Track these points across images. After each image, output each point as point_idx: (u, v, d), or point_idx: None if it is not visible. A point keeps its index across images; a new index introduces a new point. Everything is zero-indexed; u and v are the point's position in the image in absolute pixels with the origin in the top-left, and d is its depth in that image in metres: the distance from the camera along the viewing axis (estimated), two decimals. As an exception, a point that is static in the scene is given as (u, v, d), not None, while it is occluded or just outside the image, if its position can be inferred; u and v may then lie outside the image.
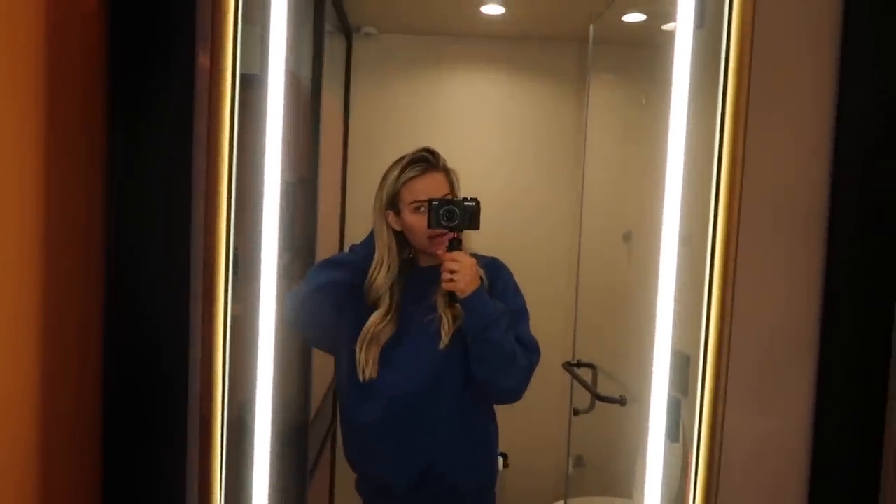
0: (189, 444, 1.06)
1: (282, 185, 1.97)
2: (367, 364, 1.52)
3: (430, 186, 1.52)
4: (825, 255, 1.10)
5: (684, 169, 1.17)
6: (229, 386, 1.13)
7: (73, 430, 1.03)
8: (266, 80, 1.12)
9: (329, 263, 1.61)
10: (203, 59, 1.03)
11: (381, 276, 1.56)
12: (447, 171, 1.57)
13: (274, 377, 1.16)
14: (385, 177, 1.57)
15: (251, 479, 1.10)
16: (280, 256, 1.95)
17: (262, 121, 1.10)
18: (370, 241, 1.57)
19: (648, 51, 2.78)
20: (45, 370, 0.95)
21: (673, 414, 1.17)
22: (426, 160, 1.55)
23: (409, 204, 1.53)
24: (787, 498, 1.14)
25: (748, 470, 1.12)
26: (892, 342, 1.09)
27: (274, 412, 1.83)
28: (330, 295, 1.55)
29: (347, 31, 2.95)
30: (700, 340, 1.09)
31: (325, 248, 2.49)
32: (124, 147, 1.05)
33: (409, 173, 1.54)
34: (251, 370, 1.12)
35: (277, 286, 1.54)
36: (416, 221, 1.53)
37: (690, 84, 1.19)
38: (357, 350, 1.53)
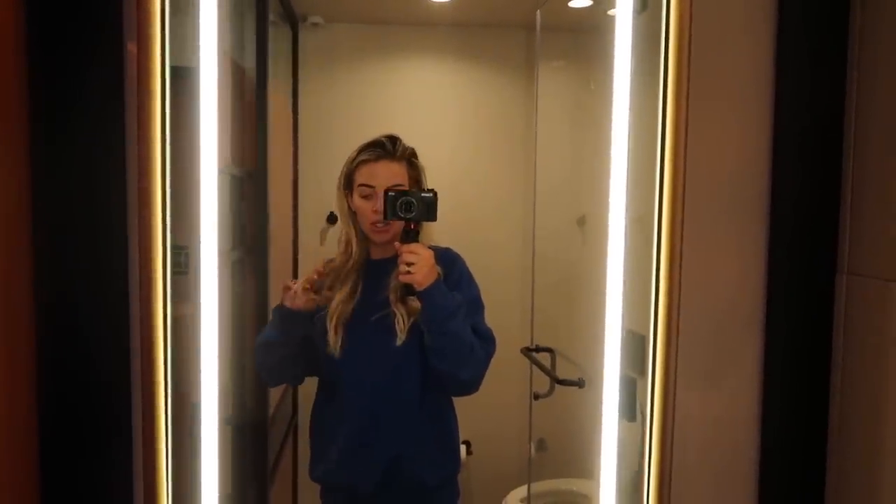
0: (134, 451, 1.02)
1: (229, 179, 1.94)
2: (336, 340, 1.51)
3: (380, 173, 1.50)
4: (768, 234, 1.12)
5: (631, 152, 1.19)
6: (182, 389, 1.10)
7: (4, 445, 0.98)
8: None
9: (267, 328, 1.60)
10: (132, 51, 0.99)
11: (342, 258, 1.56)
12: (409, 163, 1.54)
13: (222, 376, 1.14)
14: (348, 157, 1.56)
15: (199, 483, 1.08)
16: (230, 253, 1.92)
17: (196, 112, 1.07)
18: (277, 313, 1.55)
19: (595, 36, 2.80)
20: None
21: (629, 394, 1.19)
22: (382, 146, 1.52)
23: (359, 187, 1.52)
24: (740, 472, 1.17)
25: (701, 447, 1.14)
26: (833, 315, 1.12)
27: (228, 411, 1.81)
28: (279, 348, 1.55)
29: (293, 21, 2.90)
30: (650, 320, 1.11)
31: (279, 242, 2.45)
32: (48, 143, 0.99)
33: (362, 156, 1.52)
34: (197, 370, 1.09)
35: (222, 281, 1.51)
36: (362, 206, 1.51)
37: (635, 67, 1.20)
38: (329, 329, 1.52)
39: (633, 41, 1.22)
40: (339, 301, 1.53)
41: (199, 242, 1.12)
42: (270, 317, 1.61)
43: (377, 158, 1.52)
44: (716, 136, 1.11)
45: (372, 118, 3.02)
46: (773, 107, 1.11)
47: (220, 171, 1.81)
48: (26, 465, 1.02)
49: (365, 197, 1.51)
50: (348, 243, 1.57)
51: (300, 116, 2.99)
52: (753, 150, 1.12)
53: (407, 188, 1.52)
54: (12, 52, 0.98)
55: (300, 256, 2.88)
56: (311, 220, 2.90)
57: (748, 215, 1.12)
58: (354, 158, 1.54)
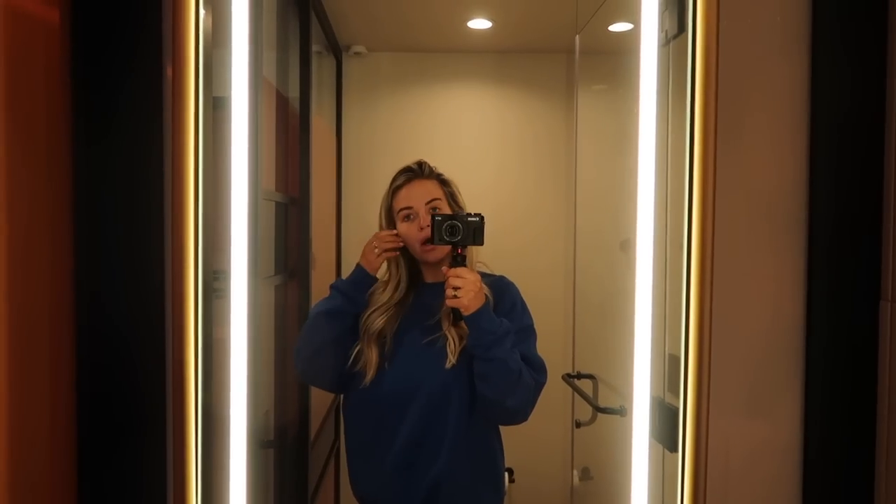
0: (167, 473, 1.04)
1: (272, 206, 1.99)
2: (370, 361, 1.51)
3: (415, 193, 1.54)
4: (807, 259, 1.09)
5: (672, 176, 1.17)
6: (221, 412, 1.12)
7: (45, 451, 1.01)
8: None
9: (322, 301, 1.59)
10: (169, 76, 1.03)
11: (389, 290, 1.57)
12: (439, 180, 1.57)
13: (259, 398, 1.16)
14: (383, 195, 1.59)
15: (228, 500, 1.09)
16: (273, 278, 1.96)
17: (229, 139, 1.11)
18: (354, 273, 1.56)
19: (635, 60, 2.78)
20: (13, 386, 0.94)
21: (671, 423, 1.15)
22: (411, 170, 1.56)
23: (399, 212, 1.54)
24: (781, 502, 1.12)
25: (739, 477, 1.11)
26: (878, 341, 1.08)
27: (269, 435, 1.83)
28: (331, 324, 1.54)
29: (337, 51, 2.97)
30: (681, 345, 1.08)
31: (321, 267, 2.49)
32: (89, 167, 1.04)
33: (395, 183, 1.56)
34: (227, 390, 1.12)
35: (262, 305, 1.53)
36: (406, 229, 1.53)
37: (672, 91, 1.19)
38: (363, 347, 1.52)
39: (669, 64, 1.22)
40: (385, 318, 1.54)
41: (231, 266, 1.14)
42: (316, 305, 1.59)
43: (409, 180, 1.55)
44: (749, 158, 1.09)
45: (414, 145, 3.06)
46: (810, 128, 1.08)
47: (265, 199, 1.87)
48: (65, 469, 1.05)
49: (407, 219, 1.53)
50: (398, 276, 1.58)
51: (343, 143, 3.05)
52: (790, 172, 1.09)
53: (444, 204, 1.54)
54: (58, 76, 1.03)
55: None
56: (354, 245, 2.93)
57: (786, 240, 1.10)
58: (389, 189, 1.57)
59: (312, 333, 1.54)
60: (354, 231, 2.97)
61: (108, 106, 1.03)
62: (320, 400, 2.39)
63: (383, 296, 1.57)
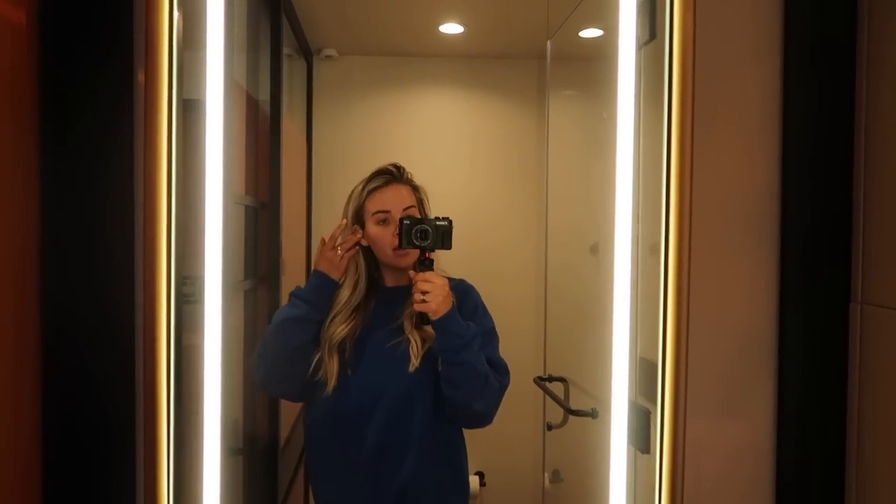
0: (137, 479, 1.02)
1: (243, 210, 1.96)
2: (331, 371, 1.48)
3: (392, 198, 1.52)
4: (779, 262, 1.11)
5: (643, 180, 1.19)
6: (192, 417, 1.10)
7: (8, 457, 0.98)
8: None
9: (285, 308, 1.56)
10: (140, 80, 1.01)
11: (347, 291, 1.54)
12: (413, 187, 1.56)
13: (230, 405, 1.14)
14: (351, 192, 1.56)
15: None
16: (242, 283, 1.93)
17: (202, 143, 1.09)
18: (316, 280, 1.52)
19: (605, 65, 2.82)
20: None
21: (642, 425, 1.16)
22: (389, 172, 1.55)
23: (373, 215, 1.52)
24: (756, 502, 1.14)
25: (714, 478, 1.12)
26: (847, 344, 1.10)
27: (238, 442, 1.80)
28: (296, 332, 1.51)
29: (308, 54, 2.95)
30: (658, 349, 1.09)
31: (291, 272, 2.46)
32: (57, 171, 1.01)
33: (372, 184, 1.54)
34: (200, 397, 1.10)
35: (234, 311, 1.50)
36: (379, 233, 1.51)
37: (645, 96, 1.21)
38: (323, 356, 1.49)
39: (641, 70, 1.23)
40: (346, 326, 1.51)
41: (205, 271, 1.12)
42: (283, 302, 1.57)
43: (387, 183, 1.53)
44: (723, 162, 1.11)
45: (385, 149, 3.05)
46: (782, 132, 1.10)
47: (235, 203, 1.85)
48: (30, 495, 1.02)
49: (382, 223, 1.51)
50: (356, 276, 1.55)
51: (314, 147, 3.02)
52: (763, 175, 1.11)
53: (416, 211, 1.53)
54: (25, 77, 1.01)
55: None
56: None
57: (758, 242, 1.12)
58: (364, 188, 1.54)
59: (277, 342, 1.50)
60: (324, 235, 2.94)
61: (77, 109, 1.00)
62: (289, 407, 2.36)
63: (341, 297, 1.54)
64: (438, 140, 3.12)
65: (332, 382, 1.49)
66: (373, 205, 1.52)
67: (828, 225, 1.10)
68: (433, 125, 3.12)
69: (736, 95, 1.11)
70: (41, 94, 1.02)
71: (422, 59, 3.10)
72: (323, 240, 1.53)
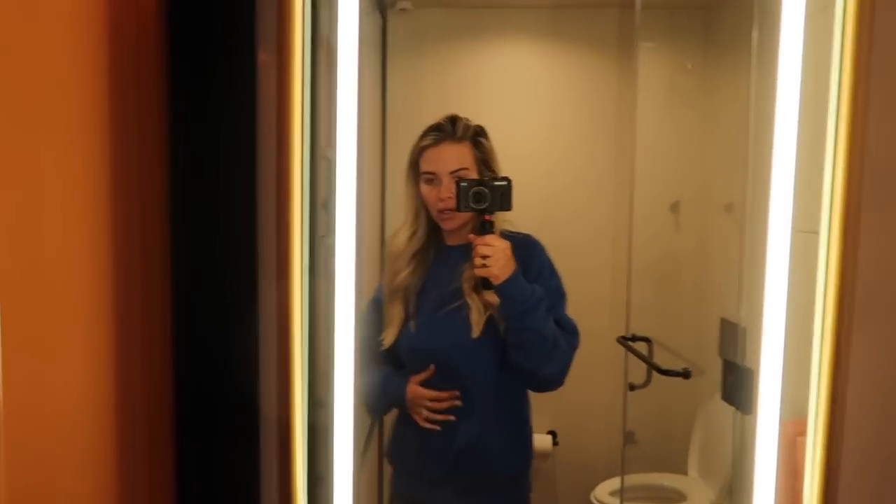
0: (263, 449, 1.04)
1: (325, 164, 1.95)
2: (390, 322, 1.48)
3: (441, 157, 1.45)
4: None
5: (725, 140, 1.11)
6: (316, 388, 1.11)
7: (143, 439, 1.02)
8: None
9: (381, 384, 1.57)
10: (263, 58, 1.01)
11: (404, 238, 1.52)
12: (474, 143, 1.47)
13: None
14: (413, 145, 1.52)
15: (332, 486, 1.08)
16: (324, 239, 1.94)
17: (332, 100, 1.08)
18: (395, 390, 1.52)
19: (695, 13, 2.67)
20: (112, 368, 0.94)
21: (746, 386, 1.10)
22: (442, 129, 1.47)
23: (422, 174, 1.47)
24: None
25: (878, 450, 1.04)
26: None
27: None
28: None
29: (382, 7, 2.90)
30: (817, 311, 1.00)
31: (367, 227, 2.46)
32: (186, 138, 1.03)
33: (423, 142, 1.47)
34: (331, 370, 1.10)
35: (318, 266, 1.50)
36: (427, 192, 1.47)
37: (760, 48, 1.11)
38: (385, 304, 1.50)
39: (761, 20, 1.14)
40: (409, 274, 1.50)
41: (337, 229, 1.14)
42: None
43: (437, 142, 1.46)
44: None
45: (460, 103, 2.99)
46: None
47: (317, 156, 1.84)
48: (164, 457, 1.06)
49: (429, 182, 1.46)
50: (414, 225, 1.52)
51: (388, 102, 2.99)
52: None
53: (472, 171, 1.46)
54: (153, 72, 1.02)
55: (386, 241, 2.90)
56: (399, 206, 2.91)
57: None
58: (417, 145, 1.49)
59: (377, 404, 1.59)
60: (399, 191, 2.93)
61: (205, 93, 1.01)
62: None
63: (397, 243, 1.52)
64: (516, 93, 3.04)
65: (392, 330, 1.47)
66: (423, 163, 1.47)
67: None
68: (511, 78, 3.04)
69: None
70: (169, 81, 1.03)
71: (498, 10, 3.01)
72: (428, 395, 1.50)
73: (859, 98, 0.97)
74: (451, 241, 1.53)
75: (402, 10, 2.98)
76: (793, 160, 1.06)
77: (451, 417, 1.47)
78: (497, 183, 1.37)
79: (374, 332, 1.52)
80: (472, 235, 1.39)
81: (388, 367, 1.54)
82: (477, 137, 1.49)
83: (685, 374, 1.69)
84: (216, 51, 1.01)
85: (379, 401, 1.56)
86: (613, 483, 2.52)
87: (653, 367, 1.86)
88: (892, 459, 1.06)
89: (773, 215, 1.08)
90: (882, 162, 1.01)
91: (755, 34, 1.41)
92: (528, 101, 3.04)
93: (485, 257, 1.34)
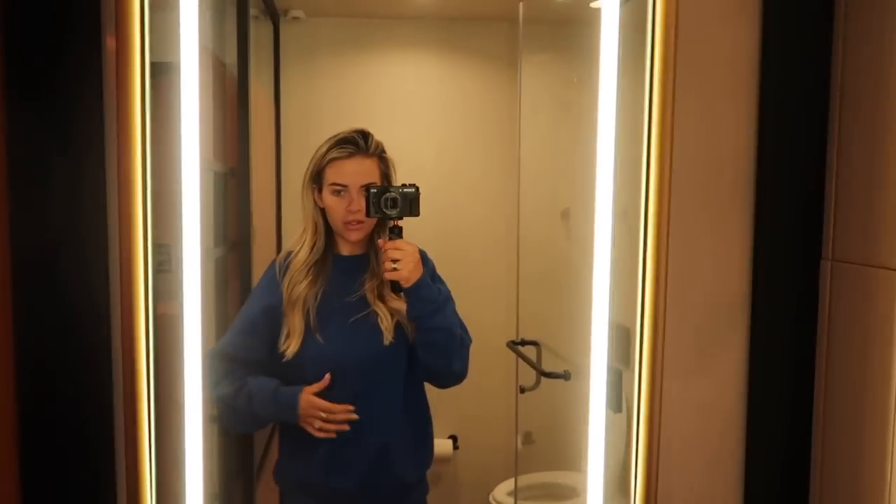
0: (116, 451, 1.01)
1: (211, 176, 1.92)
2: (292, 332, 1.46)
3: (352, 171, 1.47)
4: (753, 222, 1.13)
5: (617, 144, 1.19)
6: (167, 389, 1.09)
7: None
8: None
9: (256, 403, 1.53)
10: (110, 45, 0.97)
11: (305, 250, 1.51)
12: (380, 159, 1.50)
13: (203, 372, 1.13)
14: (315, 151, 1.51)
15: (184, 483, 1.07)
16: (213, 251, 1.90)
17: (177, 107, 1.05)
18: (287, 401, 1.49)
19: (578, 28, 2.80)
20: None
21: (615, 385, 1.19)
22: (355, 143, 1.48)
23: (329, 185, 1.48)
24: (726, 460, 1.18)
25: (687, 436, 1.15)
26: (818, 301, 1.13)
27: (213, 410, 1.79)
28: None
29: (274, 16, 2.87)
30: (637, 312, 1.11)
31: (262, 239, 2.43)
32: (26, 142, 0.97)
33: (334, 153, 1.48)
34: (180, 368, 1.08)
35: (206, 279, 1.48)
36: (333, 204, 1.47)
37: (620, 59, 1.20)
38: (286, 314, 1.48)
39: (617, 32, 1.22)
40: (307, 285, 1.49)
41: (182, 240, 1.10)
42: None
43: (349, 156, 1.47)
44: (702, 126, 1.12)
45: (354, 113, 3.00)
46: (759, 95, 1.11)
47: (203, 169, 1.80)
48: (5, 467, 1.00)
49: (336, 193, 1.47)
50: (315, 237, 1.52)
51: (282, 112, 2.96)
52: (739, 138, 1.12)
53: (379, 184, 1.49)
54: None
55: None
56: (294, 216, 2.87)
57: (733, 204, 1.13)
58: (325, 155, 1.49)
59: (235, 419, 1.57)
60: (294, 201, 2.90)
61: (44, 76, 0.96)
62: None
63: (299, 257, 1.51)
64: (408, 104, 3.08)
65: (295, 340, 1.46)
66: (331, 175, 1.48)
67: (801, 185, 1.13)
68: (403, 88, 3.08)
69: (714, 57, 1.11)
70: (5, 62, 0.97)
71: (391, 21, 3.04)
72: (323, 407, 1.48)
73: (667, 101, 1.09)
74: (346, 250, 1.55)
75: (295, 18, 2.96)
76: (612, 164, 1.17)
77: (346, 427, 1.47)
78: (406, 190, 1.41)
79: (250, 344, 1.51)
80: (381, 241, 1.43)
81: (269, 379, 1.51)
82: (382, 153, 1.52)
83: (566, 377, 1.78)
84: (58, 38, 0.97)
85: (256, 414, 1.52)
86: (511, 483, 2.60)
87: (537, 369, 1.94)
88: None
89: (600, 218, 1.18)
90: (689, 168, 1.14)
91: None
92: (421, 112, 3.08)
93: (395, 261, 1.38)
